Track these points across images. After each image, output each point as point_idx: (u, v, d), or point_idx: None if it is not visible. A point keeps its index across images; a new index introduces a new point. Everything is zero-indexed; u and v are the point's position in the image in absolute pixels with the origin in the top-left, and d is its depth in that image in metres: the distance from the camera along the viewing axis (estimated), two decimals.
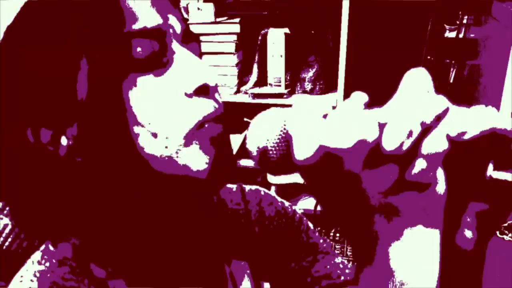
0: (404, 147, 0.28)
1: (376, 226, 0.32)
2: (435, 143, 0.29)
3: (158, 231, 0.50)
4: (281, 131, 0.36)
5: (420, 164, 0.29)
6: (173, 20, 0.45)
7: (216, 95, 0.46)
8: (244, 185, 0.66)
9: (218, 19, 1.68)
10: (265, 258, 0.63)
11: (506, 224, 1.37)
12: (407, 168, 0.29)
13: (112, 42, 0.42)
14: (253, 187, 0.67)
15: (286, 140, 0.35)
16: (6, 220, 0.62)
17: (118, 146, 0.43)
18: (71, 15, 0.42)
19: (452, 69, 1.70)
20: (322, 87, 1.68)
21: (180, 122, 0.43)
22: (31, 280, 0.48)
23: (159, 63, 0.43)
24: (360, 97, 0.31)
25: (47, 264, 0.49)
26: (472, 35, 1.58)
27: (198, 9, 1.67)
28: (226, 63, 1.70)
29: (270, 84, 1.70)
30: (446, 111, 0.29)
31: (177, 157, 0.44)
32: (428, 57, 1.74)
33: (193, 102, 0.44)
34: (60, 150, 0.45)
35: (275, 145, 0.36)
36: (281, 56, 1.65)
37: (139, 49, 0.42)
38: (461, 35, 1.61)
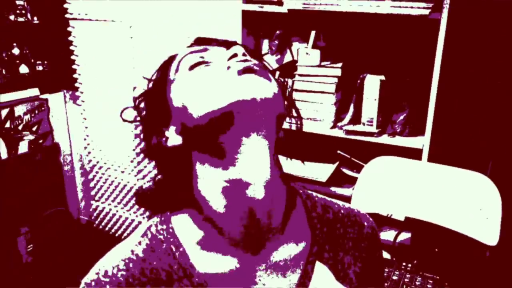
0: None
1: None
2: None
3: None
4: None
5: None
6: None
7: None
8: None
9: (322, 63, 1.95)
10: None
11: None
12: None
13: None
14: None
15: None
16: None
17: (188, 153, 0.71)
18: None
19: None
20: (411, 130, 1.83)
21: None
22: None
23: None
24: None
25: None
26: None
27: (307, 54, 1.95)
28: (327, 101, 1.94)
29: (363, 123, 1.90)
30: None
31: None
32: None
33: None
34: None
35: None
36: (375, 99, 1.84)
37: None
38: None
